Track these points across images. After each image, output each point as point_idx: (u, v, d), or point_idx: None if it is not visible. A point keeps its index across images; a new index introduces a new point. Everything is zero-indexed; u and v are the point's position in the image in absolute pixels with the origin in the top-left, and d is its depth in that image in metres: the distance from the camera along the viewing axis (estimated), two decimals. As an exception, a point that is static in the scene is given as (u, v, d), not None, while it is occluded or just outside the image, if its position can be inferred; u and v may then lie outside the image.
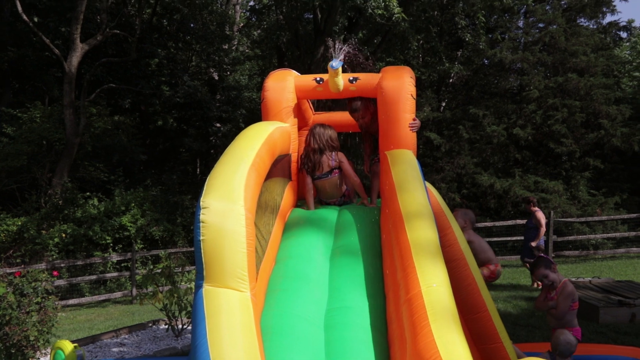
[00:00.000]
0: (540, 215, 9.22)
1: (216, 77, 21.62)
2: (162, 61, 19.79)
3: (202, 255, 2.37)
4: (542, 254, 4.43)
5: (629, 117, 15.98)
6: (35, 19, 16.53)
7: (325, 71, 4.07)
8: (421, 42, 18.72)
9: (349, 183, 4.30)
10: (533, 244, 9.01)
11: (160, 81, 19.70)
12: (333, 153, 4.17)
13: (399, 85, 3.87)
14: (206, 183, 2.56)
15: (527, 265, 9.20)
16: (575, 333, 4.06)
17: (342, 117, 4.91)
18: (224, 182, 2.55)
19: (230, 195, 2.48)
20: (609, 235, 13.74)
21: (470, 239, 5.02)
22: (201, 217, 2.40)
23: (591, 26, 18.65)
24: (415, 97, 3.92)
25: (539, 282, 4.24)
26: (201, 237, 2.37)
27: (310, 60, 16.41)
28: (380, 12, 13.31)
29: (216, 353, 2.10)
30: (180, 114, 20.24)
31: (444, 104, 19.74)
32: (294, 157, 4.26)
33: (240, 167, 2.70)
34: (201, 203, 2.44)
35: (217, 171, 2.67)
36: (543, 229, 9.13)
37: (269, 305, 2.93)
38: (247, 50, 23.23)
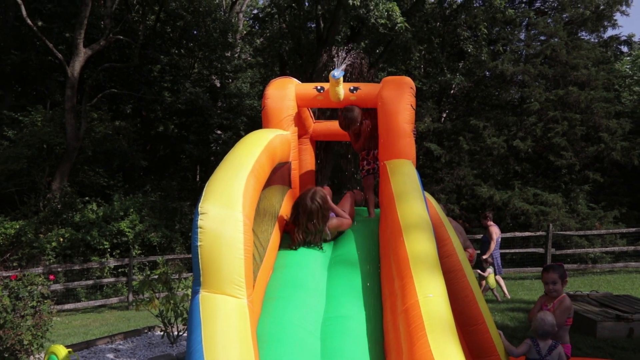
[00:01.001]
0: (494, 230, 9.43)
1: (218, 85, 21.68)
2: (164, 67, 19.87)
3: (200, 261, 2.36)
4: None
5: (629, 131, 16.02)
6: (40, 24, 16.61)
7: (327, 80, 4.07)
8: (423, 52, 18.79)
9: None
10: (484, 257, 9.12)
11: (162, 87, 19.77)
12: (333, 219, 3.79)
13: (399, 96, 3.88)
14: (205, 189, 2.55)
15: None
16: (566, 350, 4.05)
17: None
18: (222, 188, 2.55)
19: (228, 202, 2.47)
20: (608, 249, 13.71)
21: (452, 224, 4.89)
22: (199, 222, 2.39)
23: (592, 40, 18.75)
24: (415, 107, 3.92)
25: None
26: (199, 243, 2.36)
27: (312, 69, 16.45)
28: (383, 21, 13.36)
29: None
30: (181, 120, 20.28)
31: (444, 115, 19.78)
32: (294, 165, 4.25)
33: (239, 173, 2.69)
34: (199, 209, 2.43)
35: (216, 177, 2.66)
36: (493, 243, 9.30)
37: (265, 312, 2.91)
38: (249, 58, 23.32)
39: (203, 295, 2.35)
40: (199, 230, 2.37)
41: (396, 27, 13.64)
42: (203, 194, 2.51)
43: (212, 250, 2.36)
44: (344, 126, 4.25)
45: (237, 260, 2.38)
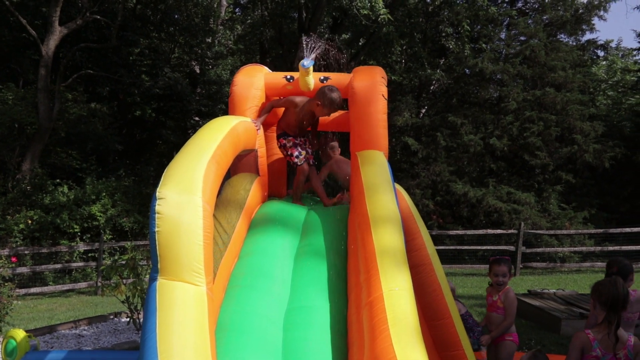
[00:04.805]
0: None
1: (197, 71, 21.39)
2: (143, 51, 19.49)
3: (157, 247, 2.30)
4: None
5: (601, 134, 16.29)
6: (13, -1, 16.09)
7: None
8: (404, 47, 18.79)
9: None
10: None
11: (140, 71, 19.40)
12: None
13: (371, 85, 3.82)
14: (164, 174, 2.49)
15: None
16: (514, 338, 4.31)
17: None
18: (182, 173, 2.48)
19: (188, 187, 2.41)
20: (576, 249, 13.99)
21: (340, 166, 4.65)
22: (157, 208, 2.32)
23: (570, 43, 18.97)
24: (386, 97, 3.87)
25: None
26: (156, 229, 2.30)
27: (293, 59, 16.33)
28: (365, 12, 13.29)
29: (164, 348, 2.03)
30: (159, 105, 19.94)
31: (423, 111, 19.84)
32: (261, 153, 4.17)
33: (200, 159, 2.63)
34: (157, 194, 2.36)
35: (175, 162, 2.60)
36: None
37: (228, 301, 2.87)
38: (230, 43, 23.02)
39: (160, 282, 2.28)
40: (156, 215, 2.31)
41: (379, 19, 13.58)
42: (162, 179, 2.45)
43: (170, 236, 2.29)
44: (336, 106, 3.92)
45: (196, 246, 2.32)
